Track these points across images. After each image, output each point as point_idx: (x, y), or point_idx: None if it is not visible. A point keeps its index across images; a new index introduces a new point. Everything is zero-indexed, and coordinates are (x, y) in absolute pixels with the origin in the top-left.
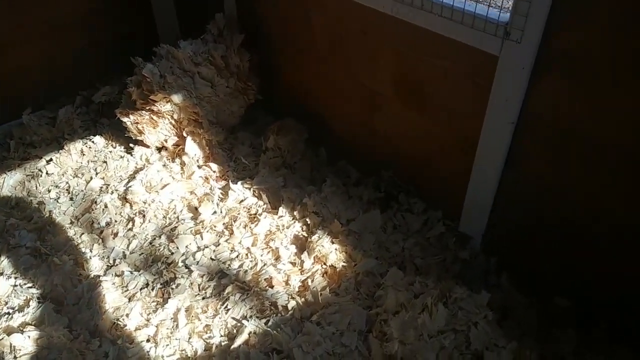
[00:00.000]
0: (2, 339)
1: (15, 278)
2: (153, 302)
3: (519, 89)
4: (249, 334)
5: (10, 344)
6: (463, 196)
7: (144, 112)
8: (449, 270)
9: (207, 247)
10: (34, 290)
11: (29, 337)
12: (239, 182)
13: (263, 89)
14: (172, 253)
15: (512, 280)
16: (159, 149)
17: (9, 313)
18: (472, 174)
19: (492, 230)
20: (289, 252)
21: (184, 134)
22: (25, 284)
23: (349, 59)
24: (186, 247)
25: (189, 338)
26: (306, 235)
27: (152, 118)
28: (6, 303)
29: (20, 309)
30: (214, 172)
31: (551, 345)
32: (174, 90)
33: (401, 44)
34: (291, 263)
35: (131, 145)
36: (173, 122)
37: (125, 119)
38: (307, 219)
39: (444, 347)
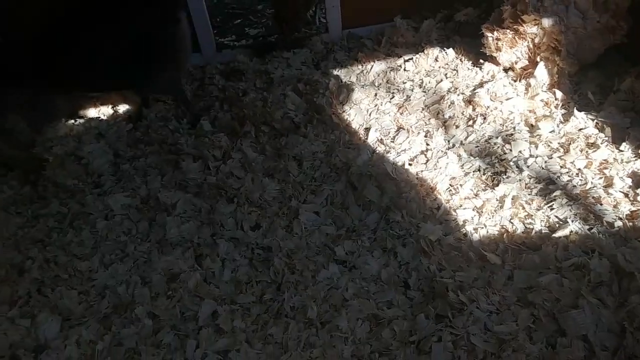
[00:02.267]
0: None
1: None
2: (483, 183)
3: None
4: (570, 232)
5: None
6: None
7: (508, 30)
8: None
9: (540, 156)
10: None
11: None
12: (582, 112)
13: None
14: (505, 153)
15: None
16: (506, 70)
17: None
18: None
19: None
20: (623, 183)
21: (537, 59)
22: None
23: None
24: (519, 151)
25: (511, 219)
26: None
27: (514, 38)
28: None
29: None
30: (557, 99)
31: None
32: (546, 14)
33: None
34: (623, 193)
35: (481, 61)
36: (531, 45)
37: (488, 34)
38: None
39: None
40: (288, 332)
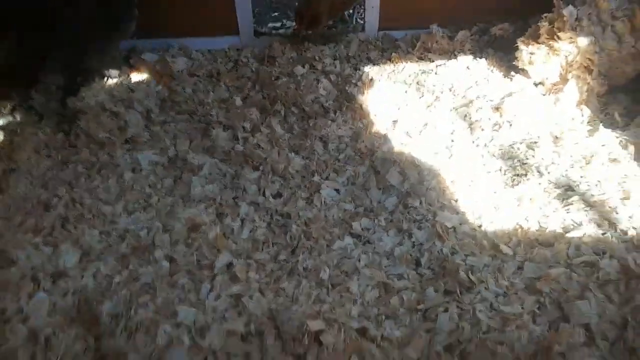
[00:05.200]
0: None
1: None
2: (503, 183)
3: None
4: (583, 234)
5: None
6: None
7: (543, 46)
8: None
9: (561, 165)
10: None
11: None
12: (608, 129)
13: None
14: (528, 158)
15: None
16: (536, 84)
17: None
18: None
19: None
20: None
21: (569, 76)
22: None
23: None
24: (542, 158)
25: (526, 217)
26: None
27: (548, 53)
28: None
29: None
30: (583, 116)
31: None
32: (582, 34)
33: None
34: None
35: (512, 73)
36: (564, 63)
37: (523, 47)
38: None
39: None
40: (300, 289)
